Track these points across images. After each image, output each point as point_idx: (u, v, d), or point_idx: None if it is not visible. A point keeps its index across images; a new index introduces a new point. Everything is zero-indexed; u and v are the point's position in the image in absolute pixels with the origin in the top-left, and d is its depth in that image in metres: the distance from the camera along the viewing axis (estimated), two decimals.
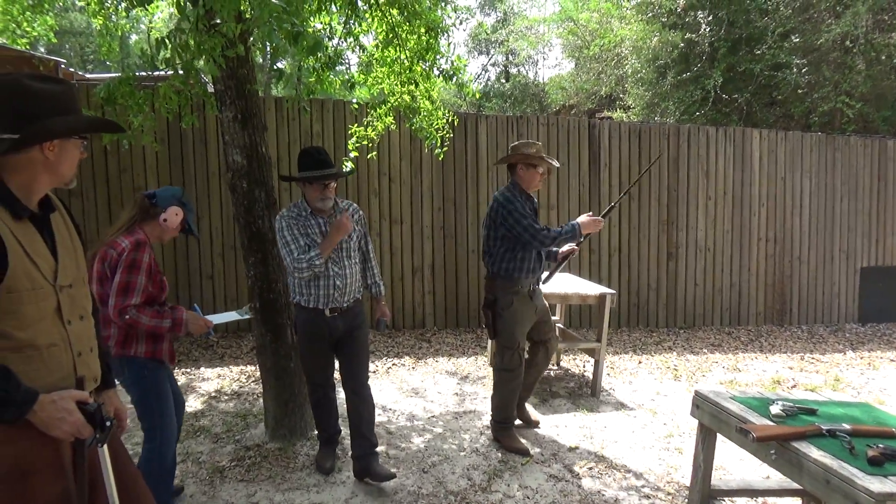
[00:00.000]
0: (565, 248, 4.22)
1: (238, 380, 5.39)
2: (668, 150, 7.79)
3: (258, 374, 4.99)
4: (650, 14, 12.71)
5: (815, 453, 2.31)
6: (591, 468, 3.90)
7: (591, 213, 4.09)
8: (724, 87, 11.49)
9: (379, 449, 4.06)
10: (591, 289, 5.33)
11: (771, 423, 2.59)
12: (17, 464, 1.59)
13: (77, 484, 1.68)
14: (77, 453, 1.71)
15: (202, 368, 5.70)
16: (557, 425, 4.57)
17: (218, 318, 3.31)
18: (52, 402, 1.60)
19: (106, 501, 1.77)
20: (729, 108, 11.75)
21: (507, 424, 4.18)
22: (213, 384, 5.24)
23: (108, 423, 1.68)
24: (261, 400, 4.60)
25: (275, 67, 3.50)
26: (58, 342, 1.70)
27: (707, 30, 11.60)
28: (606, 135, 7.60)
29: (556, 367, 6.01)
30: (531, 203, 4.04)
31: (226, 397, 4.98)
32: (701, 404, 3.00)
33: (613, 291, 5.36)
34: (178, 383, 4.18)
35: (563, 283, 5.44)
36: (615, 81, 14.60)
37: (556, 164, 4.07)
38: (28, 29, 5.18)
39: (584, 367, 6.05)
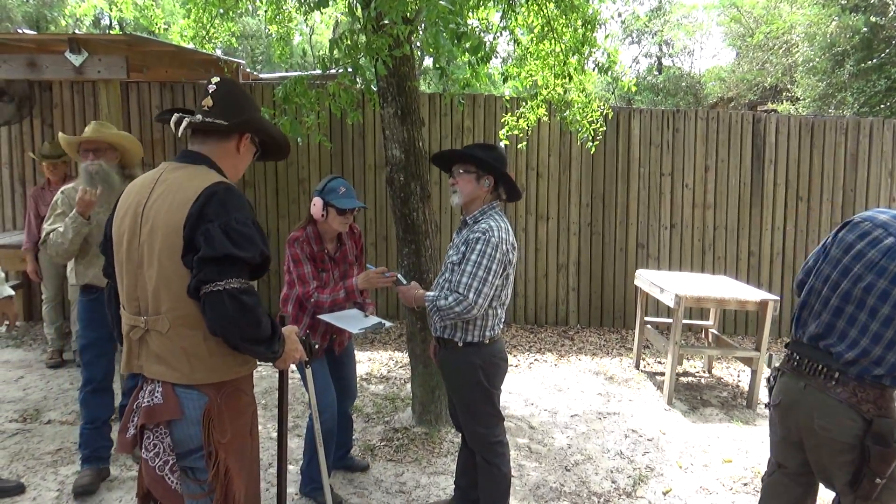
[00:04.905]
0: None
1: (387, 364, 5.64)
2: (846, 145, 7.08)
3: (406, 360, 5.20)
4: None
5: None
6: (745, 484, 3.68)
7: None
8: None
9: (521, 442, 4.10)
10: (752, 294, 4.99)
11: None
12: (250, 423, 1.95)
13: (280, 406, 2.15)
14: (285, 379, 2.14)
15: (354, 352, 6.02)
16: (709, 436, 4.35)
17: (349, 323, 3.11)
18: (288, 336, 1.95)
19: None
20: None
21: None
22: (365, 367, 5.53)
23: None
24: (408, 385, 4.79)
25: (436, 66, 3.58)
26: None
27: None
28: (773, 129, 7.06)
29: (707, 375, 5.71)
30: None
31: (375, 380, 5.24)
32: None
33: (777, 297, 4.98)
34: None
35: (719, 287, 5.14)
36: (782, 71, 13.53)
37: None
38: (215, 35, 5.71)
39: (738, 376, 5.70)
